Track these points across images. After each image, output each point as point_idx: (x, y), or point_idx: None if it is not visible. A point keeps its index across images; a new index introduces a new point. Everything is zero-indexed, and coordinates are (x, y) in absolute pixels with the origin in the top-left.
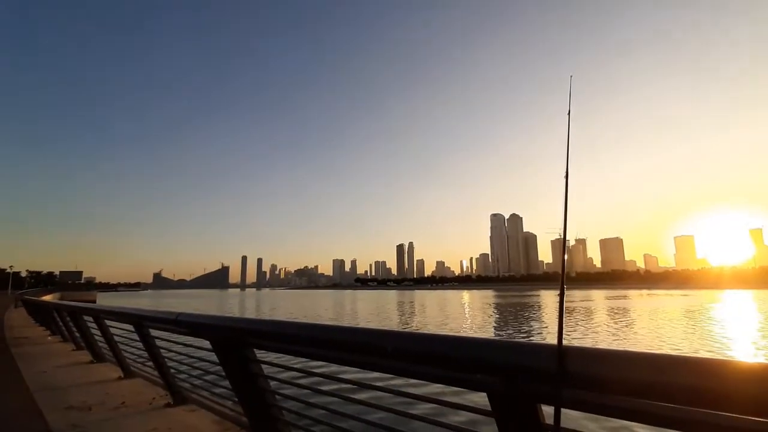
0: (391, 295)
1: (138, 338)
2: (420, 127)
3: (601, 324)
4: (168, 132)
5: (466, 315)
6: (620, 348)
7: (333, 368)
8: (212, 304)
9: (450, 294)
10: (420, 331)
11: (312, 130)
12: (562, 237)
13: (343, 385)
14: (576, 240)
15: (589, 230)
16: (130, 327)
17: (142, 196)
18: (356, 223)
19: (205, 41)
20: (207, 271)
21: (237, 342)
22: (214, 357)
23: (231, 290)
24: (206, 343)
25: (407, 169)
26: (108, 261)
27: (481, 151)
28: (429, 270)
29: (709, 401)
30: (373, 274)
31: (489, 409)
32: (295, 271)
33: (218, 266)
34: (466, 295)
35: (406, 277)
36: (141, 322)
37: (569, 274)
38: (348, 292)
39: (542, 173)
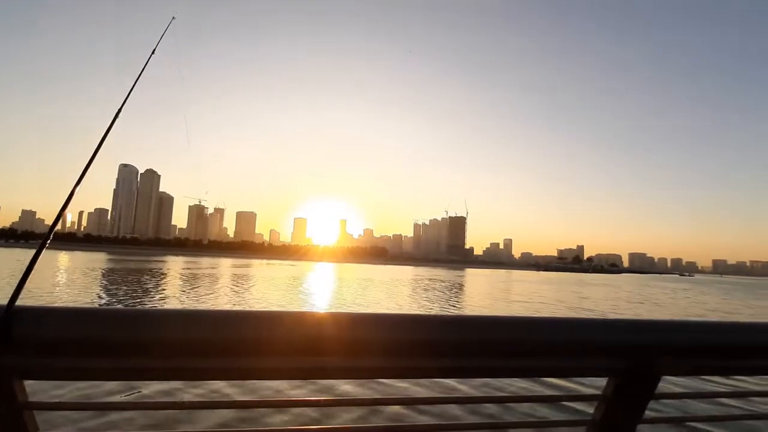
0: None
1: None
2: None
3: (220, 289)
4: None
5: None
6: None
7: None
8: None
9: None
10: None
11: None
12: (66, 200)
13: None
14: (215, 209)
15: (230, 201)
16: None
17: None
18: None
19: None
20: None
21: None
22: None
23: None
24: None
25: None
26: None
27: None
28: (6, 222)
29: (198, 350)
30: None
31: None
32: None
33: None
34: (64, 257)
35: None
36: None
37: (202, 242)
38: None
39: (181, 126)
